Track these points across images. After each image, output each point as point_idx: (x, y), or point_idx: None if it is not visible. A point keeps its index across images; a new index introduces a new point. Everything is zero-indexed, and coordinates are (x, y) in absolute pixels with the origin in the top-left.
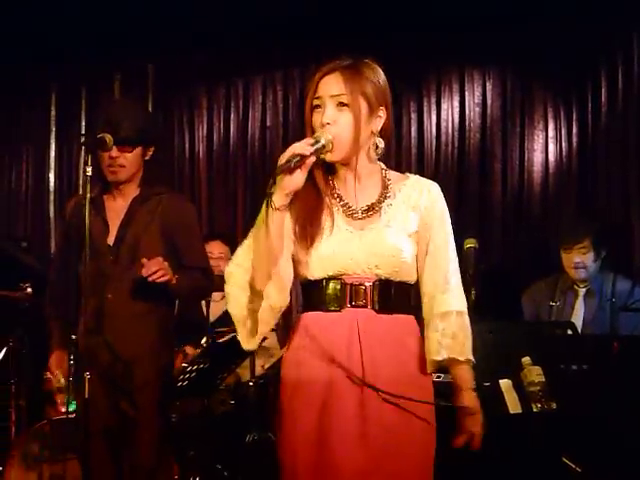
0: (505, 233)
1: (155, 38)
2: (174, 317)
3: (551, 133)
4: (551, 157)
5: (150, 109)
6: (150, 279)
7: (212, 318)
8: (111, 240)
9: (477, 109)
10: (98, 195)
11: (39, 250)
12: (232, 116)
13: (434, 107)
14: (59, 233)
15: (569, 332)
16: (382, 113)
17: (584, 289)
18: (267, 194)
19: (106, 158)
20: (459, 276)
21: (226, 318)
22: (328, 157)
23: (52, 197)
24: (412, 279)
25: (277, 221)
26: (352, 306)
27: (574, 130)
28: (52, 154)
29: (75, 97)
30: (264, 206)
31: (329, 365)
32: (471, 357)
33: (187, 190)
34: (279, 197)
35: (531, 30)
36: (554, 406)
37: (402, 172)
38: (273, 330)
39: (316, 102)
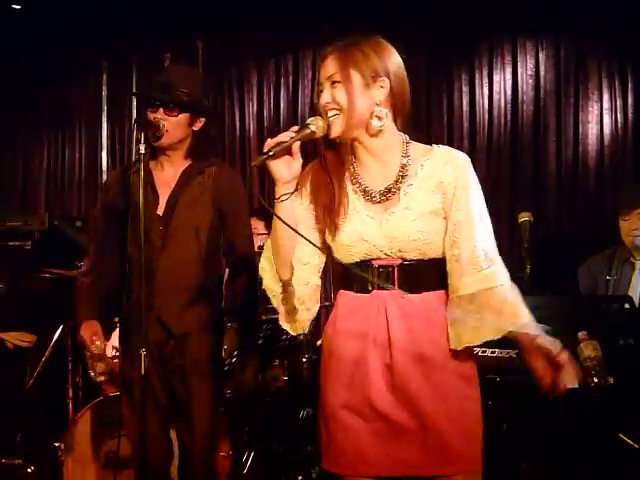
0: (560, 207)
1: (204, 15)
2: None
3: (606, 105)
4: (606, 129)
5: None
6: None
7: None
8: (161, 210)
9: (530, 81)
10: (145, 163)
11: None
12: (282, 92)
13: (486, 79)
14: (100, 206)
15: (626, 306)
16: (384, 83)
17: None
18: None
19: (151, 119)
20: (493, 247)
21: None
22: (332, 135)
23: (105, 176)
24: (442, 254)
25: (283, 212)
26: (379, 288)
27: (629, 101)
28: (104, 133)
29: (126, 76)
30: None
31: (358, 344)
32: (525, 319)
33: (238, 167)
34: (278, 188)
35: None
36: (611, 381)
37: (453, 147)
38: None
39: (319, 88)
